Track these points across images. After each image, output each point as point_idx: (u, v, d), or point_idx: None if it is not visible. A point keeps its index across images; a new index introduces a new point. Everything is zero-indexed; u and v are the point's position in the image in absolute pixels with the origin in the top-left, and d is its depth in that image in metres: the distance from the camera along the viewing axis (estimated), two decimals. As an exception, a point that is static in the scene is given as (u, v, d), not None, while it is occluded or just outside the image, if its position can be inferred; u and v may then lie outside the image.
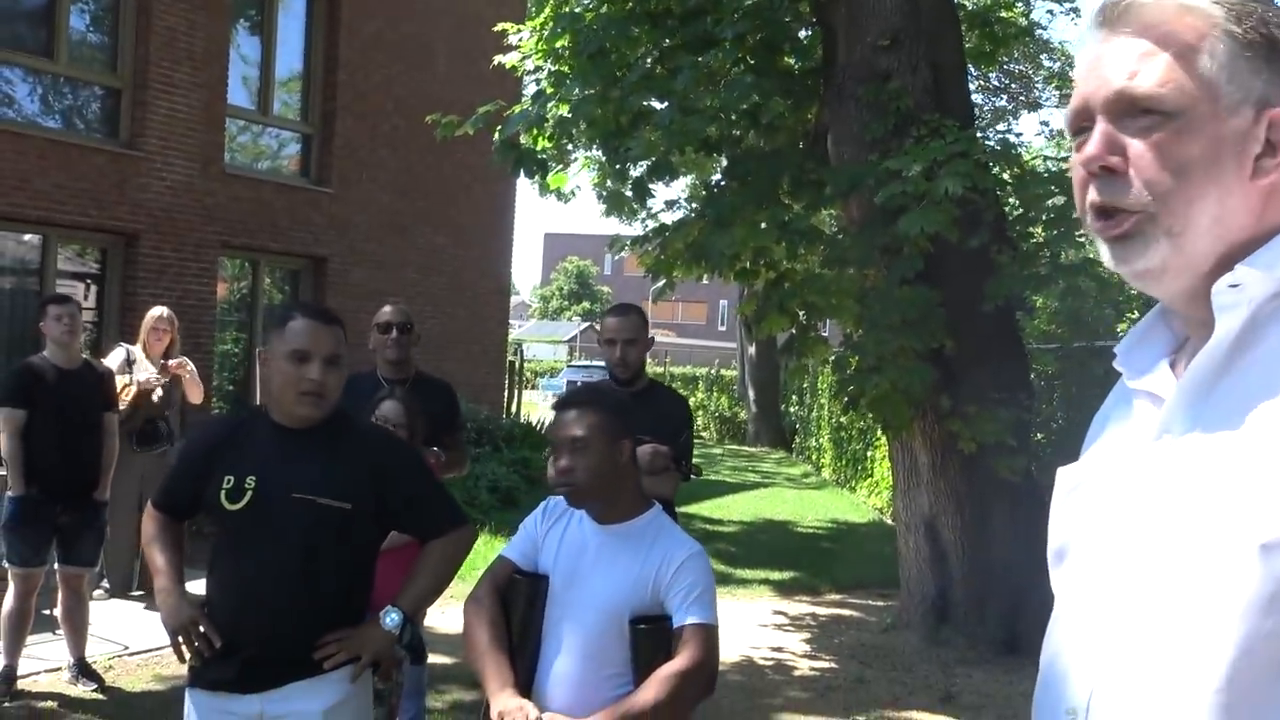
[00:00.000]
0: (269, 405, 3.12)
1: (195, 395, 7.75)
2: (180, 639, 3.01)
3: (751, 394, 23.51)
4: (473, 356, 15.22)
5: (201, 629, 2.98)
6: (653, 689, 2.58)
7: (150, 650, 6.51)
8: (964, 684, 6.58)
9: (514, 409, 18.54)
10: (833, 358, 7.76)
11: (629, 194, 8.15)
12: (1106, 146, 1.17)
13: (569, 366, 37.87)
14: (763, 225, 7.27)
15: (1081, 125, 1.20)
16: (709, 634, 2.68)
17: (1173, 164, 1.14)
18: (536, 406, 24.88)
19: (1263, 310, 1.13)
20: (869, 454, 14.46)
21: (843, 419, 16.10)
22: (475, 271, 15.53)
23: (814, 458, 19.20)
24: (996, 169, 7.39)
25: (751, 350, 23.67)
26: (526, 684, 2.68)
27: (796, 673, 6.80)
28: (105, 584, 7.56)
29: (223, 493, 3.02)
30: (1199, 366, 1.16)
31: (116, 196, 11.18)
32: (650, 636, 2.65)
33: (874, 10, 7.46)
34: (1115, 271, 1.22)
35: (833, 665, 6.99)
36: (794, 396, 22.81)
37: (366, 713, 3.12)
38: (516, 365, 19.96)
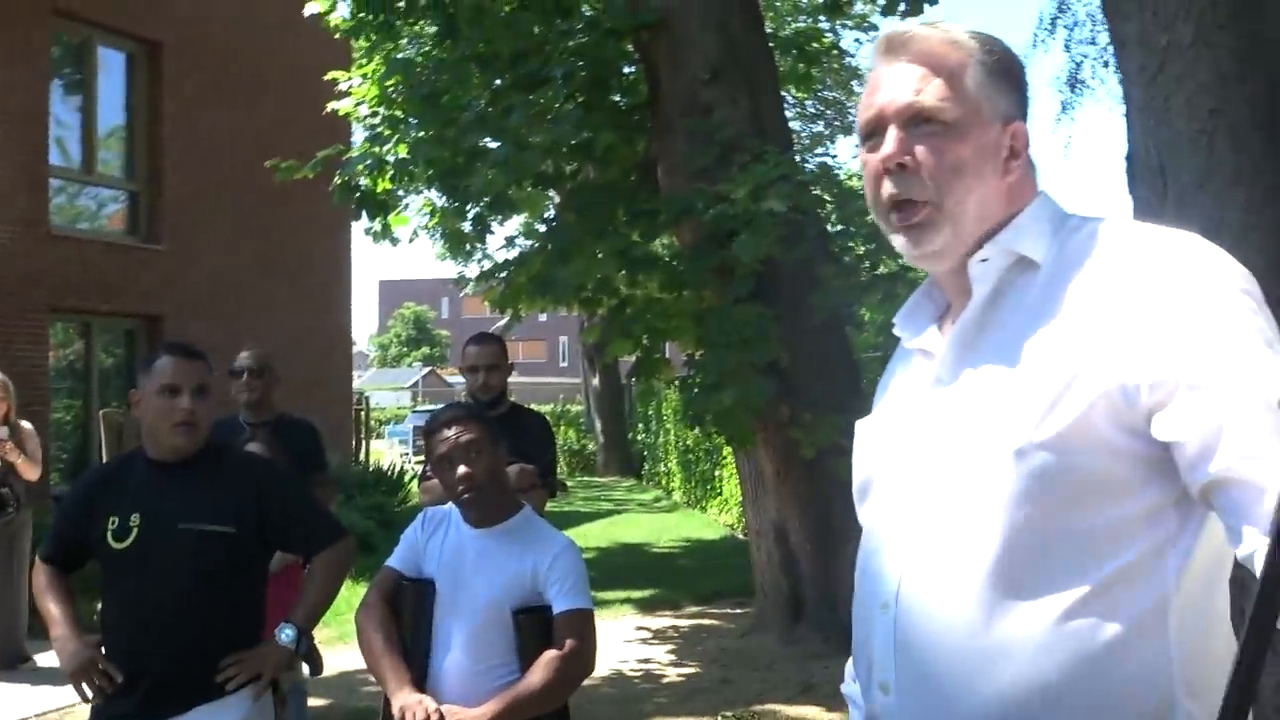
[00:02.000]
0: (145, 444, 3.25)
1: (29, 473, 7.49)
2: (81, 680, 3.11)
3: (599, 425, 23.83)
4: (318, 407, 15.03)
5: (100, 667, 3.09)
6: (539, 673, 2.82)
7: None
8: (821, 675, 6.93)
9: (363, 457, 18.45)
10: (677, 379, 8.10)
11: (469, 231, 8.38)
12: (900, 148, 1.45)
13: (414, 412, 37.52)
14: (602, 255, 7.58)
15: (872, 131, 1.49)
16: (586, 619, 2.95)
17: (951, 163, 1.44)
18: (384, 454, 24.68)
19: (1004, 279, 1.46)
20: (717, 473, 14.88)
21: (690, 442, 16.52)
22: (316, 321, 15.44)
23: (664, 482, 19.57)
24: (817, 189, 7.87)
25: (596, 382, 23.98)
26: (421, 681, 2.88)
27: (664, 680, 7.07)
28: None
29: (109, 533, 3.14)
30: (960, 325, 1.48)
31: (-65, 264, 10.87)
32: (532, 625, 2.89)
33: (693, 46, 7.88)
34: (907, 256, 1.52)
35: (697, 670, 7.28)
36: (640, 424, 23.18)
37: (269, 729, 3.27)
38: (362, 414, 19.84)
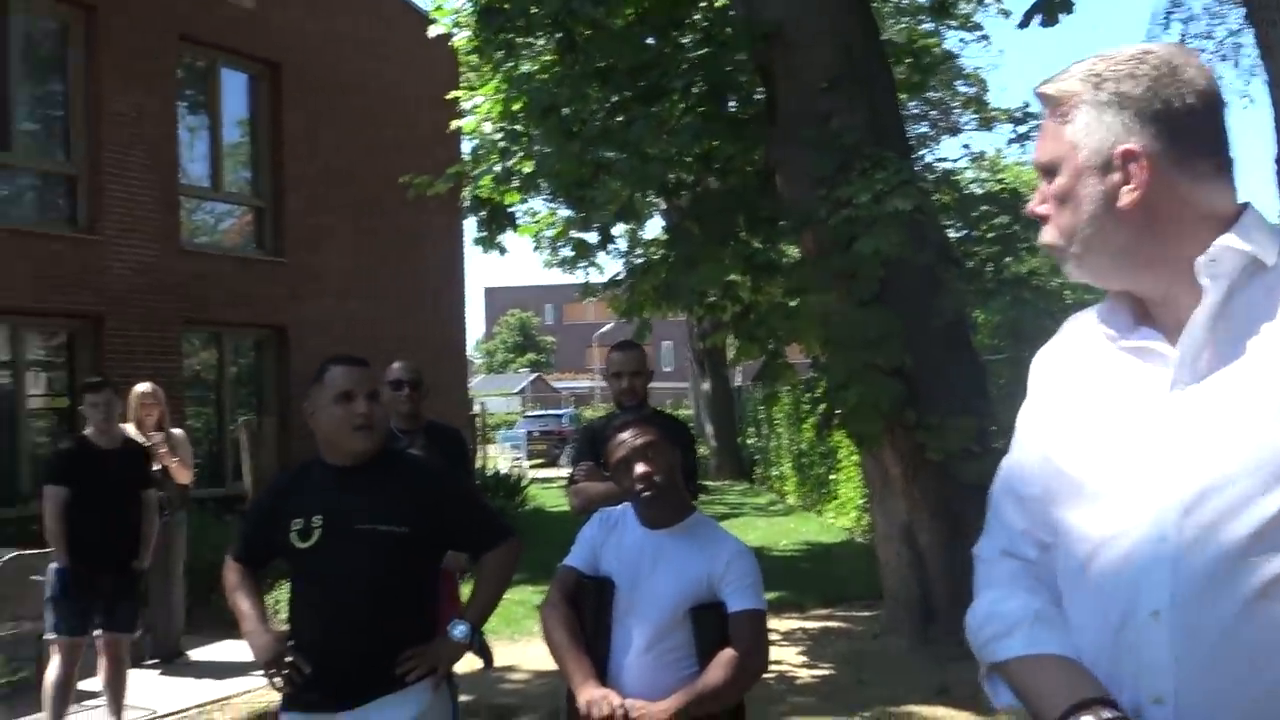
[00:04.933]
0: (322, 450, 3.44)
1: (182, 477, 7.92)
2: (272, 671, 3.31)
3: (709, 429, 23.92)
4: (438, 414, 15.41)
5: (290, 659, 3.29)
6: (718, 671, 2.94)
7: (177, 712, 6.75)
8: (956, 677, 6.95)
9: (481, 462, 18.80)
10: (802, 382, 8.18)
11: (594, 241, 8.56)
12: (1038, 200, 1.61)
13: (524, 418, 38.08)
14: (726, 261, 7.69)
15: None
16: (761, 619, 3.05)
17: (1066, 210, 1.56)
18: (496, 460, 25.07)
19: (1236, 281, 1.49)
20: (832, 477, 14.88)
21: (804, 445, 16.55)
22: (431, 330, 15.79)
23: (777, 486, 19.60)
24: (937, 195, 7.89)
25: (706, 386, 24.08)
26: (601, 675, 3.02)
27: (798, 681, 7.15)
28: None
29: (293, 534, 3.34)
30: (1194, 327, 1.50)
31: (79, 281, 11.38)
32: (709, 622, 3.01)
33: (811, 56, 7.95)
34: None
35: (830, 672, 7.35)
36: (751, 429, 23.21)
37: (447, 719, 3.44)
38: (479, 420, 20.21)
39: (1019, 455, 1.70)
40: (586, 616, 3.10)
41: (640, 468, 3.05)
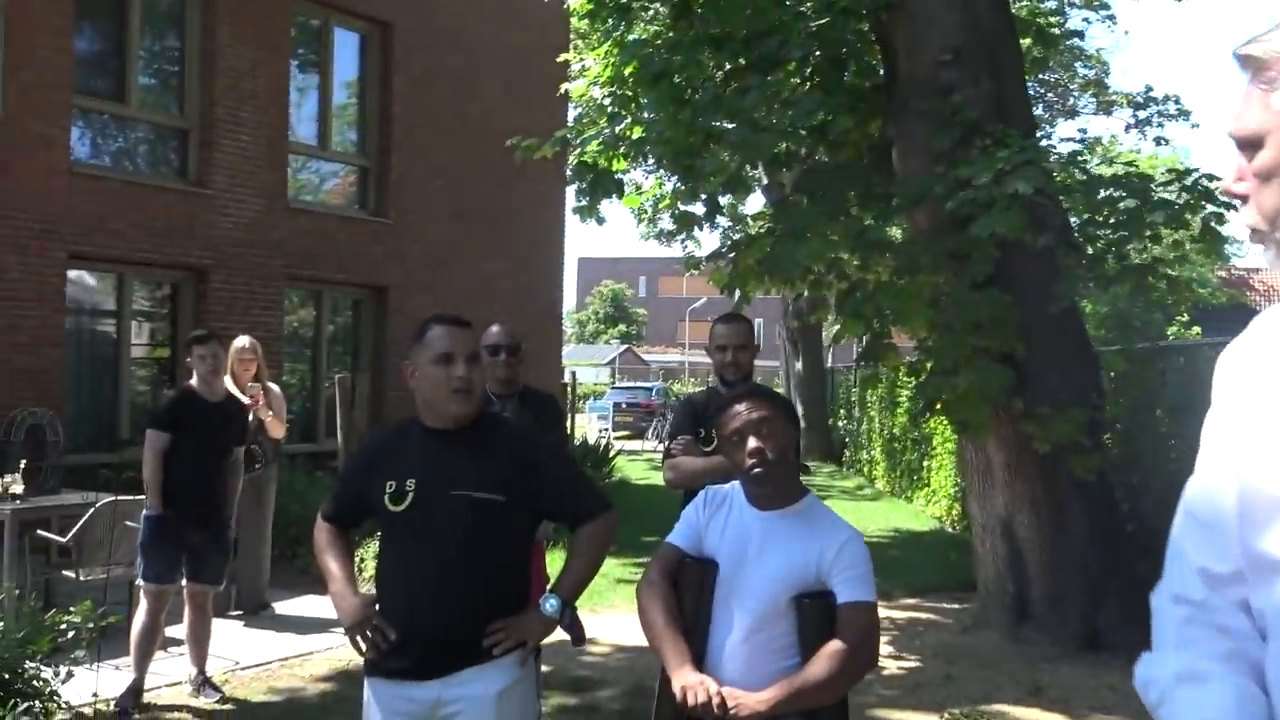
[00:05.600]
0: (421, 412, 3.33)
1: (276, 431, 7.95)
2: (357, 635, 3.22)
3: (800, 409, 23.67)
4: (532, 380, 15.38)
5: (376, 624, 3.19)
6: (822, 664, 2.75)
7: (260, 665, 6.78)
8: (1050, 678, 6.71)
9: (570, 430, 18.80)
10: (906, 364, 7.93)
11: (700, 212, 8.38)
12: (1235, 177, 1.42)
13: (613, 389, 38.16)
14: (835, 237, 7.47)
15: None
16: (870, 611, 2.85)
17: (1271, 189, 1.37)
18: (584, 429, 25.11)
19: None
20: (925, 464, 14.57)
21: (895, 430, 16.24)
22: (529, 297, 15.78)
23: (866, 470, 19.31)
24: (1060, 176, 7.57)
25: (799, 366, 23.82)
26: (699, 660, 2.86)
27: (885, 672, 6.94)
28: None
29: (386, 497, 3.23)
30: None
31: (186, 234, 11.53)
32: (815, 612, 2.82)
33: (934, 27, 7.67)
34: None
35: (918, 664, 7.14)
36: (842, 411, 22.92)
37: (534, 694, 3.33)
38: (570, 390, 20.21)
39: (1206, 474, 1.47)
40: (686, 598, 2.93)
41: (754, 442, 2.88)
